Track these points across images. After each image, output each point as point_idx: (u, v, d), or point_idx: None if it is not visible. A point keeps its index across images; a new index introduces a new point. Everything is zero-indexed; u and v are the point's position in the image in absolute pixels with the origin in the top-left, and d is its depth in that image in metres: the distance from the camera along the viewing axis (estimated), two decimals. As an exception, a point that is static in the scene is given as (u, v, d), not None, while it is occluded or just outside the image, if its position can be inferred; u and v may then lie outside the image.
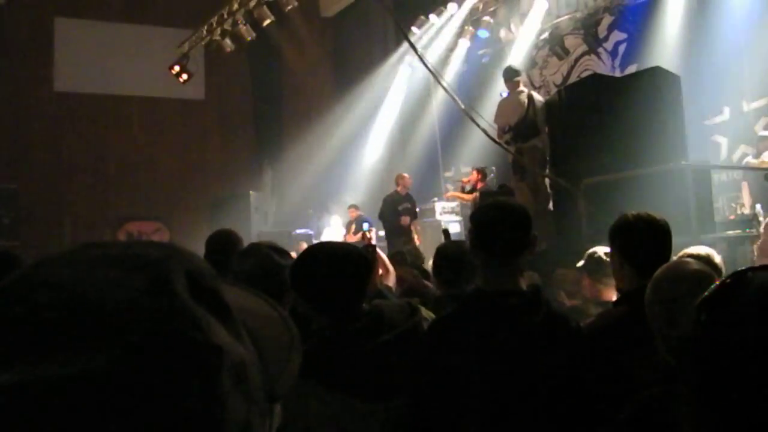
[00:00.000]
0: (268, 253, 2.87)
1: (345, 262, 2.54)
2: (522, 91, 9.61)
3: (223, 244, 4.12)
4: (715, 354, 0.90)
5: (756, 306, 0.89)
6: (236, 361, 0.57)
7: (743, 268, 0.98)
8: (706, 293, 0.96)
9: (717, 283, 0.97)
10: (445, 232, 7.76)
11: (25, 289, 0.55)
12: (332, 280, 2.49)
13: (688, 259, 2.40)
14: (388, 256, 6.36)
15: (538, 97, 9.80)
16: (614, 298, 4.33)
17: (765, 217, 7.01)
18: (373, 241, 8.90)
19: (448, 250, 4.19)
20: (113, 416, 0.50)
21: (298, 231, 14.60)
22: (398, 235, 12.04)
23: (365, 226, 10.71)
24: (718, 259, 3.66)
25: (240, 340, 0.60)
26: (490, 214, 2.62)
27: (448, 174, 16.42)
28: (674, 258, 3.05)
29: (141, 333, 0.53)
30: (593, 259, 4.38)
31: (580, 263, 4.56)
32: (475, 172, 12.01)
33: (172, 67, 14.53)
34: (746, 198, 9.44)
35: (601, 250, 4.41)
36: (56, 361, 0.50)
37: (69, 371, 0.50)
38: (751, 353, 0.87)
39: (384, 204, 12.53)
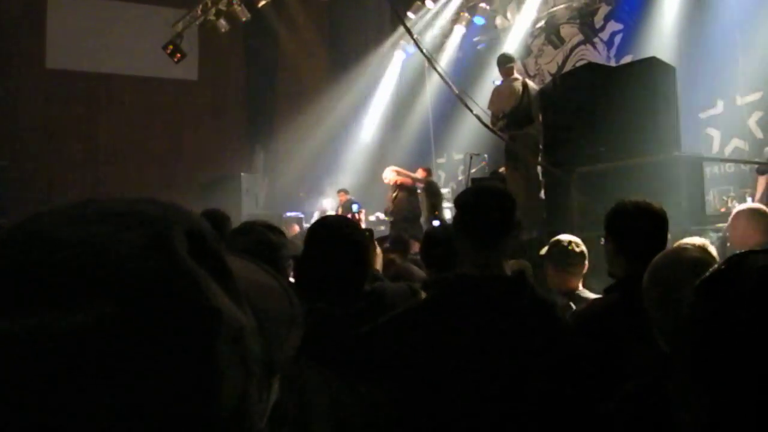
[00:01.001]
0: (263, 231, 2.84)
1: (350, 242, 2.58)
2: (516, 79, 9.58)
3: (211, 223, 4.09)
4: (713, 334, 0.89)
5: (755, 288, 0.89)
6: (235, 327, 0.55)
7: (743, 251, 0.97)
8: (705, 275, 0.95)
9: (715, 266, 0.97)
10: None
11: (18, 241, 0.53)
12: (336, 259, 2.54)
13: (688, 246, 2.39)
14: (391, 239, 6.33)
15: (533, 85, 9.77)
16: (578, 286, 4.32)
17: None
18: (363, 224, 8.91)
19: (436, 234, 4.16)
20: (101, 373, 0.48)
21: (289, 213, 14.56)
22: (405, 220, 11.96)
23: (354, 207, 10.69)
24: (712, 249, 3.64)
25: (240, 307, 0.57)
26: (473, 197, 2.60)
27: (440, 161, 16.41)
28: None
29: (135, 290, 0.50)
30: (558, 248, 4.35)
31: (543, 251, 4.51)
32: (421, 170, 12.09)
33: (165, 47, 14.42)
34: (760, 189, 9.40)
35: (566, 239, 4.37)
36: (46, 313, 0.48)
37: (58, 324, 0.48)
38: (749, 334, 0.86)
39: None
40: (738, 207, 5.34)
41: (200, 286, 0.53)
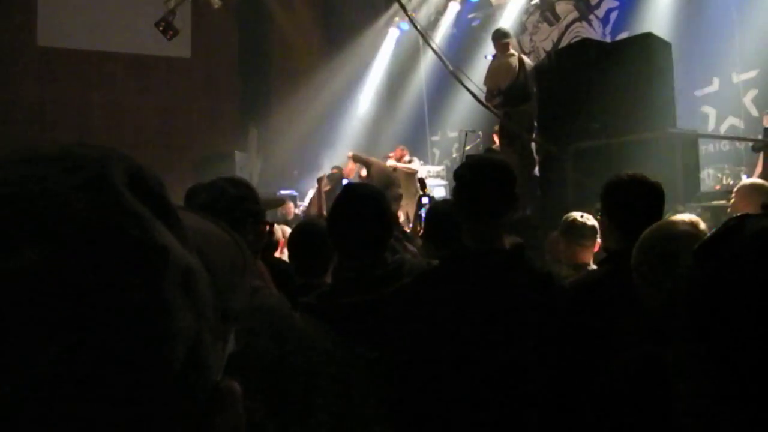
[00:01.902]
0: (222, 186, 2.76)
1: (374, 208, 2.64)
2: (512, 54, 9.50)
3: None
4: (714, 297, 0.87)
5: (753, 250, 0.87)
6: (183, 266, 0.52)
7: (740, 214, 0.95)
8: (703, 239, 0.93)
9: (714, 230, 0.95)
10: (421, 181, 7.69)
11: None
12: (358, 224, 2.60)
13: (677, 220, 2.38)
14: None
15: (529, 62, 9.71)
16: (590, 261, 4.36)
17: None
18: None
19: (439, 209, 4.13)
20: (45, 315, 0.44)
21: (283, 191, 14.52)
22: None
23: (345, 182, 10.65)
24: (703, 226, 3.64)
25: (188, 249, 0.54)
26: (472, 170, 2.58)
27: (435, 138, 16.38)
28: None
29: (74, 228, 0.47)
30: (568, 222, 4.46)
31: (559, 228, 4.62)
32: (399, 150, 12.05)
33: (158, 24, 14.31)
34: (760, 166, 9.39)
35: (577, 214, 4.46)
36: None
37: None
38: (750, 296, 0.84)
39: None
40: (741, 182, 5.46)
41: (144, 223, 0.50)
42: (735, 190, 5.04)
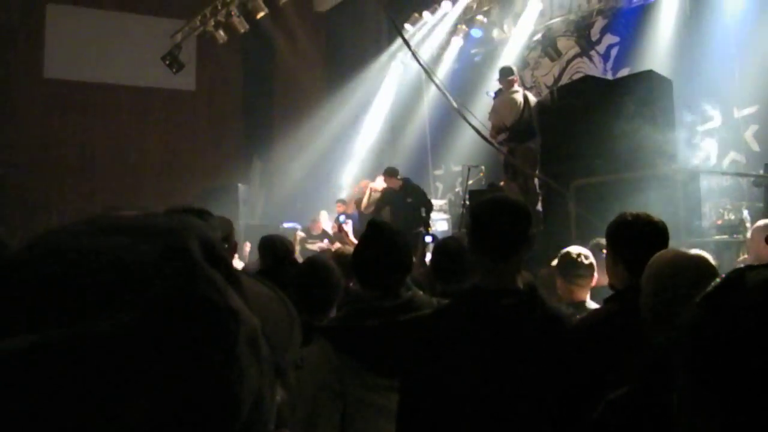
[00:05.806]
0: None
1: (397, 244, 2.91)
2: (517, 91, 9.59)
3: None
4: (715, 350, 0.90)
5: (755, 303, 0.89)
6: (250, 327, 0.57)
7: (742, 266, 0.98)
8: (707, 290, 0.96)
9: (717, 280, 0.98)
10: (424, 220, 7.73)
11: (37, 256, 0.54)
12: (381, 259, 2.86)
13: (686, 251, 2.41)
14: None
15: (533, 98, 9.78)
16: (586, 297, 4.32)
17: (752, 223, 7.05)
18: (350, 235, 8.92)
19: (448, 246, 4.16)
20: (132, 378, 0.49)
21: (286, 224, 14.55)
22: None
23: (341, 218, 10.68)
24: (711, 260, 3.66)
25: (250, 310, 0.60)
26: (489, 209, 2.61)
27: (437, 172, 16.42)
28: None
29: (162, 294, 0.52)
30: (567, 259, 4.36)
31: (554, 262, 4.52)
32: (367, 181, 12.18)
33: (164, 58, 14.46)
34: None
35: (575, 251, 4.37)
36: (73, 322, 0.50)
37: (87, 332, 0.49)
38: (750, 349, 0.87)
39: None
40: (755, 224, 5.49)
41: (220, 289, 0.56)
42: (752, 230, 5.07)
